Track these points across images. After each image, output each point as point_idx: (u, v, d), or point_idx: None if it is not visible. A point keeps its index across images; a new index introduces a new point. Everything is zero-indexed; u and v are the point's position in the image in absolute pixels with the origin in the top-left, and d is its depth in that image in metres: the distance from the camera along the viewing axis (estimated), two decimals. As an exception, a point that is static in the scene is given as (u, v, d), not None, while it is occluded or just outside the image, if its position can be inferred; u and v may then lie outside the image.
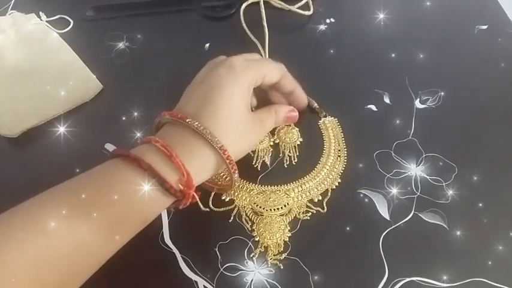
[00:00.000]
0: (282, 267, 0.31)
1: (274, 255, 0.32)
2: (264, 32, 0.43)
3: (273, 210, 0.34)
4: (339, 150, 0.37)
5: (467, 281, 0.30)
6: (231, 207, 0.34)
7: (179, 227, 0.33)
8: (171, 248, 0.32)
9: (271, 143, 0.38)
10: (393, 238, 0.32)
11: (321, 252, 0.32)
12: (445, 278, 0.30)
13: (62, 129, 0.40)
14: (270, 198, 0.34)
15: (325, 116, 0.40)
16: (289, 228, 0.33)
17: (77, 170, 0.37)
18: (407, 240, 0.32)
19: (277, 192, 0.35)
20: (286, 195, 0.35)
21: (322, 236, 0.33)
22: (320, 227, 0.33)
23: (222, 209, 0.34)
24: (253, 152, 0.38)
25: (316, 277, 0.31)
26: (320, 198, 0.34)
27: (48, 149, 0.39)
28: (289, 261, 0.31)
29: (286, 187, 0.35)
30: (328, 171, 0.36)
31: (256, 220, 0.33)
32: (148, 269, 0.31)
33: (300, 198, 0.34)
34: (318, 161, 0.37)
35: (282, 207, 0.34)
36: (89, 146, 0.39)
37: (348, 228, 0.33)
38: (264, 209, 0.34)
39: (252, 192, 0.35)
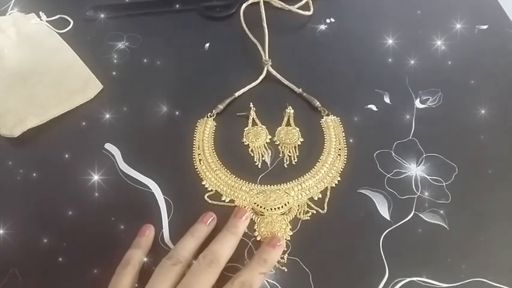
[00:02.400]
0: (283, 269, 0.31)
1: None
2: (264, 33, 0.43)
3: (273, 210, 0.34)
4: (339, 149, 0.37)
5: (467, 281, 0.30)
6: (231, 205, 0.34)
7: (179, 227, 0.33)
8: (171, 248, 0.32)
9: (267, 141, 0.38)
10: (393, 238, 0.32)
11: (321, 252, 0.32)
12: (445, 278, 0.30)
13: (62, 129, 0.40)
14: (270, 197, 0.34)
15: (327, 115, 0.40)
16: (290, 227, 0.33)
17: (77, 170, 0.37)
18: (407, 240, 0.32)
19: (277, 191, 0.35)
20: (286, 194, 0.34)
21: (322, 236, 0.33)
22: (320, 227, 0.33)
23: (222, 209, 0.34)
24: (252, 151, 0.38)
25: (316, 277, 0.31)
26: (320, 196, 0.34)
27: (48, 149, 0.39)
28: (289, 261, 0.31)
29: (286, 186, 0.35)
30: (328, 169, 0.36)
31: (257, 220, 0.33)
32: (149, 269, 0.31)
33: (300, 196, 0.34)
34: (318, 159, 0.37)
35: (282, 206, 0.34)
36: (89, 146, 0.39)
37: (348, 228, 0.33)
38: (264, 208, 0.34)
39: (251, 192, 0.35)
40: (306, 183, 0.35)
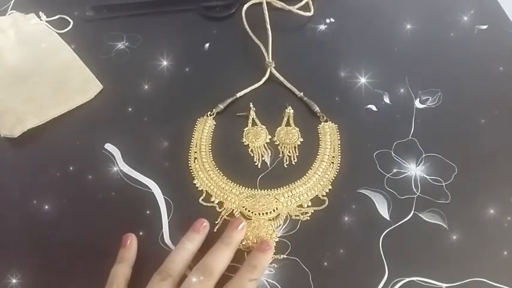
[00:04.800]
0: (279, 267, 0.31)
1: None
2: (268, 35, 0.43)
3: (261, 215, 0.33)
4: (333, 157, 0.37)
5: (467, 281, 0.30)
6: (220, 210, 0.34)
7: (179, 227, 0.33)
8: (171, 248, 0.32)
9: (267, 141, 0.38)
10: (393, 238, 0.32)
11: (321, 252, 0.32)
12: (445, 278, 0.30)
13: (62, 129, 0.40)
14: (259, 202, 0.34)
15: (326, 121, 0.39)
16: (277, 233, 0.33)
17: (77, 171, 0.37)
18: (407, 240, 0.32)
19: (267, 196, 0.34)
20: (275, 200, 0.34)
21: (322, 236, 0.33)
22: (320, 227, 0.33)
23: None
24: (252, 151, 0.38)
25: (316, 277, 0.31)
26: (310, 204, 0.34)
27: (48, 149, 0.39)
28: (289, 261, 0.31)
29: (276, 191, 0.35)
30: (320, 177, 0.36)
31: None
32: (149, 269, 0.31)
33: (289, 203, 0.34)
34: (311, 165, 0.37)
35: (270, 212, 0.33)
36: (89, 146, 0.39)
37: (347, 228, 0.33)
38: (252, 213, 0.33)
39: (241, 195, 0.35)
40: (296, 190, 0.35)
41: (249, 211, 0.33)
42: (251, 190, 0.35)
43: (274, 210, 0.33)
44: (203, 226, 0.32)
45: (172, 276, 0.28)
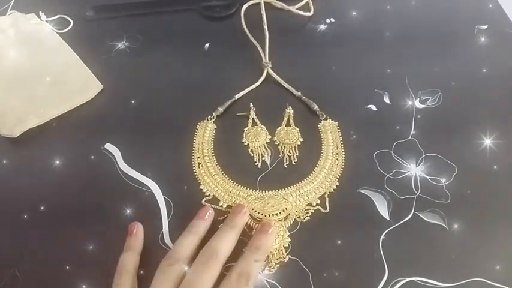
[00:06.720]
0: (279, 267, 0.31)
1: (276, 259, 0.31)
2: (265, 35, 0.43)
3: (271, 216, 0.33)
4: (337, 154, 0.37)
5: (467, 281, 0.30)
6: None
7: (179, 227, 0.33)
8: (171, 248, 0.32)
9: (267, 141, 0.38)
10: (393, 238, 0.32)
11: (321, 252, 0.32)
12: (445, 278, 0.30)
13: (62, 129, 0.40)
14: (268, 203, 0.34)
15: (325, 119, 0.39)
16: (288, 233, 0.33)
17: (77, 170, 0.37)
18: (407, 240, 0.32)
19: (275, 197, 0.34)
20: (284, 200, 0.34)
21: (322, 236, 0.33)
22: (320, 227, 0.33)
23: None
24: (252, 151, 0.38)
25: (316, 277, 0.31)
26: (318, 202, 0.34)
27: (48, 149, 0.39)
28: (289, 261, 0.31)
29: (284, 191, 0.35)
30: (326, 174, 0.36)
31: (255, 226, 0.33)
32: (149, 269, 0.31)
33: (298, 202, 0.34)
34: (316, 163, 0.37)
35: (280, 213, 0.33)
36: (89, 146, 0.39)
37: (348, 228, 0.33)
38: (262, 214, 0.33)
39: (249, 198, 0.34)
40: (304, 188, 0.35)
41: (258, 213, 0.33)
42: (259, 192, 0.35)
43: (283, 211, 0.33)
44: (208, 213, 0.32)
45: (180, 261, 0.28)
